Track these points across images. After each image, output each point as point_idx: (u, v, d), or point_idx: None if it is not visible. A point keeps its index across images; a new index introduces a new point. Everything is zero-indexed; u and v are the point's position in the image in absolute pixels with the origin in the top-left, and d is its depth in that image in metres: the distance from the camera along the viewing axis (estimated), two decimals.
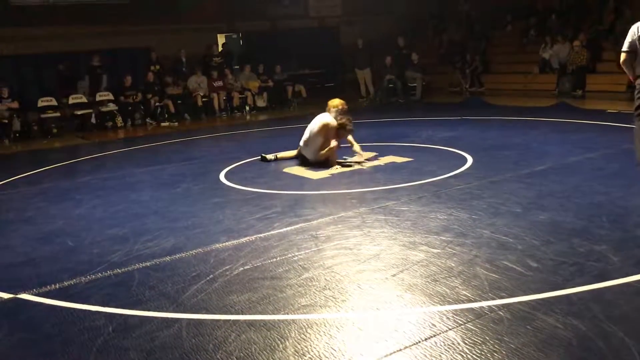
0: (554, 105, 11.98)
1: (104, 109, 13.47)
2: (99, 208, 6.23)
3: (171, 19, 15.11)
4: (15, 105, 12.42)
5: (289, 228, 5.01)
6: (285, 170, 7.44)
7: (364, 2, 17.58)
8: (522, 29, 16.36)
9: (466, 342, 2.95)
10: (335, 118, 7.43)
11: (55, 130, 12.74)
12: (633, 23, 13.20)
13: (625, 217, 4.73)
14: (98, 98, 13.53)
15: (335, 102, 7.72)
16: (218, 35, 16.94)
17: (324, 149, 7.30)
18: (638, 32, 5.38)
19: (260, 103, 15.13)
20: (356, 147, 7.59)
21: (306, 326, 3.25)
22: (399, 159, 7.60)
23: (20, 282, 4.22)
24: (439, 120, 11.11)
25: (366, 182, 6.59)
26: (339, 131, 7.34)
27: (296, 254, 4.38)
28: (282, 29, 17.29)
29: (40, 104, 12.85)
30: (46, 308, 3.77)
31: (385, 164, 7.40)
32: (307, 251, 4.42)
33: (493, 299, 3.40)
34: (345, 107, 7.73)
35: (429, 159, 7.53)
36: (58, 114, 12.94)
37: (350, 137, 7.61)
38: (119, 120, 13.49)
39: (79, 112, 13.26)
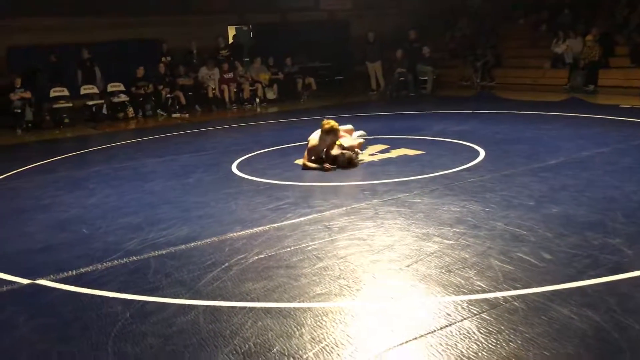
0: (566, 100, 11.93)
1: (115, 99, 13.53)
2: (112, 197, 6.28)
3: (182, 10, 15.13)
4: (27, 95, 12.49)
5: (302, 218, 5.04)
6: (297, 161, 7.46)
7: None
8: (534, 23, 16.27)
9: (481, 331, 2.98)
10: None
11: (67, 121, 12.81)
12: None
13: (638, 211, 4.73)
14: (109, 89, 13.60)
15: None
16: (228, 27, 16.94)
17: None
18: None
19: (271, 95, 15.14)
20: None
21: (322, 314, 3.28)
22: (410, 152, 7.61)
23: (38, 268, 4.27)
24: (450, 114, 11.09)
25: (378, 174, 6.61)
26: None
27: (310, 243, 4.41)
28: (293, 22, 17.28)
29: (53, 94, 12.92)
30: (64, 294, 3.82)
31: (397, 156, 7.41)
32: (320, 241, 4.45)
33: (507, 289, 3.42)
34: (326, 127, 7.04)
35: (441, 152, 7.53)
36: (70, 104, 13.01)
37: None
38: (130, 111, 13.55)
39: (91, 103, 13.33)
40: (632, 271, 3.58)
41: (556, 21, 15.26)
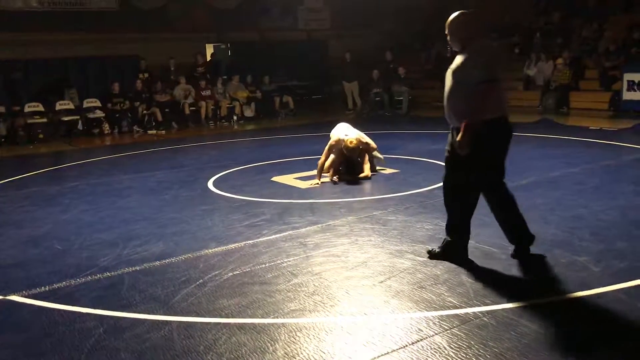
0: (538, 121, 12.19)
1: (91, 115, 13.46)
2: (87, 213, 6.24)
3: (161, 27, 15.16)
4: (1, 109, 12.35)
5: (277, 235, 5.07)
6: (274, 179, 7.51)
7: (353, 17, 17.80)
8: (507, 46, 16.62)
9: (452, 346, 3.04)
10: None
11: (41, 136, 12.69)
12: (615, 43, 13.25)
13: (605, 230, 4.86)
14: (85, 104, 13.53)
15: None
16: (207, 45, 17.01)
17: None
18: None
19: (248, 113, 15.21)
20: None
21: (296, 330, 3.31)
22: (386, 170, 7.71)
23: (10, 284, 4.23)
24: (425, 134, 11.25)
25: (354, 191, 6.68)
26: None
27: (285, 260, 4.45)
28: (271, 41, 17.43)
29: (27, 109, 12.80)
30: (36, 310, 3.78)
31: (373, 174, 7.49)
32: (295, 258, 4.49)
33: (478, 305, 3.50)
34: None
35: (415, 171, 7.65)
36: (45, 120, 12.89)
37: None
38: (106, 127, 13.49)
39: (66, 119, 13.23)
40: (597, 287, 3.68)
41: (529, 45, 15.63)
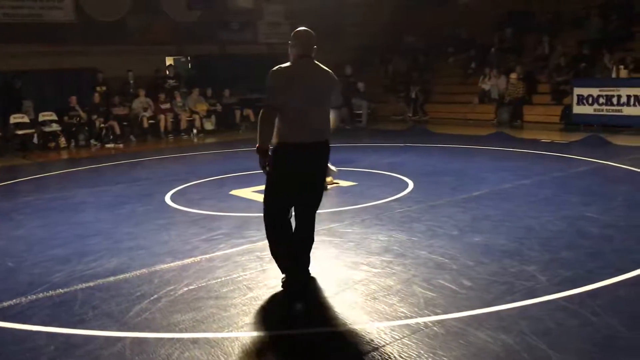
0: (492, 134, 12.51)
1: (47, 129, 13.21)
2: (40, 229, 6.13)
3: (119, 40, 15.01)
4: None
5: (234, 249, 5.09)
6: (232, 192, 7.51)
7: (313, 31, 17.94)
8: (464, 61, 17.05)
9: (402, 356, 3.11)
10: None
11: None
12: (565, 56, 13.66)
13: (552, 240, 5.03)
14: (41, 118, 13.28)
15: None
16: (167, 58, 16.93)
17: None
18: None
19: (208, 126, 15.17)
20: None
21: (250, 343, 3.33)
22: (343, 183, 7.80)
23: None
24: (383, 147, 11.43)
25: None
26: None
27: (241, 274, 4.46)
28: (232, 54, 17.44)
29: None
30: None
31: (331, 187, 7.57)
32: (252, 271, 4.51)
33: (428, 315, 3.59)
34: None
35: (372, 183, 7.76)
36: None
37: None
38: (62, 141, 13.26)
39: (20, 132, 12.95)
40: (543, 296, 3.82)
41: (484, 60, 16.05)
